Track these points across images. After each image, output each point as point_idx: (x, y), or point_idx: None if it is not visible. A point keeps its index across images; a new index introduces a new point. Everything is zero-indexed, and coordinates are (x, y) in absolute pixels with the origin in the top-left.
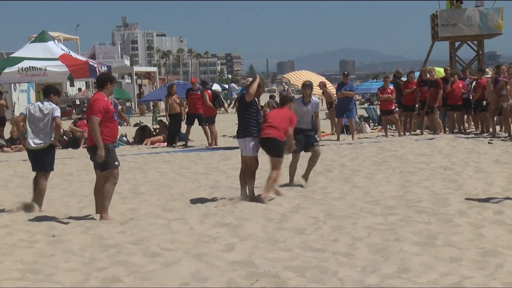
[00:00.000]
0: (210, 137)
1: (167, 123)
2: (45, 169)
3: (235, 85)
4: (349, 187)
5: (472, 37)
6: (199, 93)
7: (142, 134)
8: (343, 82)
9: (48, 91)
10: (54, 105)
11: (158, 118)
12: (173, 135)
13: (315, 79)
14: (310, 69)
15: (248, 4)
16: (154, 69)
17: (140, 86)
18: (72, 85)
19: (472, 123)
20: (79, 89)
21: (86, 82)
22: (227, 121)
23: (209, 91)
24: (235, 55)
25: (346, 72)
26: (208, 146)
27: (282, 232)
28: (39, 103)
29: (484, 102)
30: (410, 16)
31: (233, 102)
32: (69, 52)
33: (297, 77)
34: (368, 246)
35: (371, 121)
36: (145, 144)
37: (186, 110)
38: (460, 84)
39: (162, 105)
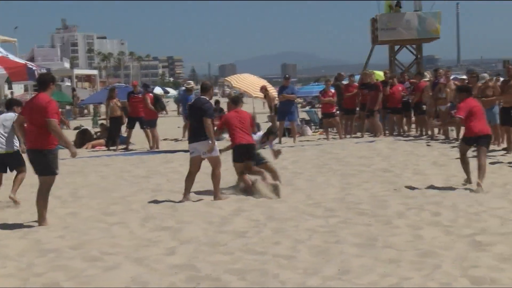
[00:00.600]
0: (151, 140)
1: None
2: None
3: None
4: (291, 190)
5: (411, 41)
6: (140, 96)
7: (83, 138)
8: (284, 85)
9: (11, 104)
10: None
11: (99, 122)
12: (113, 138)
13: (257, 82)
14: (252, 72)
15: (190, 6)
16: (95, 72)
17: (73, 89)
18: (10, 88)
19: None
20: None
21: (24, 85)
22: (168, 124)
23: (150, 94)
24: (176, 58)
25: (287, 75)
26: (149, 149)
27: (223, 235)
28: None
29: (424, 107)
30: (350, 20)
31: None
32: (7, 55)
33: (239, 80)
34: (309, 248)
35: (312, 124)
36: (86, 148)
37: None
38: (400, 87)
39: (102, 108)
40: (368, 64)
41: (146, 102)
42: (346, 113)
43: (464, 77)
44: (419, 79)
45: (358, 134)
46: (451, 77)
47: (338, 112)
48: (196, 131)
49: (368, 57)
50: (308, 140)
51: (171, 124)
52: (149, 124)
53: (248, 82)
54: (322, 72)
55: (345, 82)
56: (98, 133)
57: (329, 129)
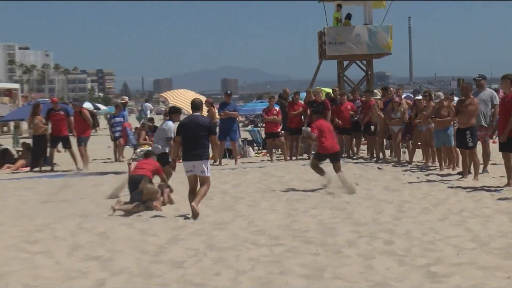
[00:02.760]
0: (79, 161)
1: (31, 145)
2: None
3: (149, 104)
4: (232, 216)
5: (361, 56)
6: (62, 113)
7: (2, 158)
8: (225, 102)
9: None
10: None
11: (21, 140)
12: (37, 158)
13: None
14: (189, 87)
15: (122, 15)
16: (16, 85)
17: None
18: None
19: (361, 147)
20: None
21: None
22: (98, 144)
23: (84, 108)
24: (107, 71)
25: (229, 92)
26: (77, 170)
27: (159, 265)
28: None
29: (372, 127)
30: (297, 32)
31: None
32: None
33: (175, 96)
34: (252, 280)
35: (255, 145)
36: (6, 169)
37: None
38: (349, 106)
39: (24, 125)
40: (316, 80)
41: (85, 116)
42: (291, 133)
43: (420, 97)
44: (369, 97)
45: (305, 155)
46: (403, 95)
47: (282, 132)
48: (198, 149)
49: (315, 73)
50: (250, 162)
51: (100, 143)
52: (80, 141)
53: (186, 99)
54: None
55: (290, 99)
56: (20, 153)
57: (274, 150)
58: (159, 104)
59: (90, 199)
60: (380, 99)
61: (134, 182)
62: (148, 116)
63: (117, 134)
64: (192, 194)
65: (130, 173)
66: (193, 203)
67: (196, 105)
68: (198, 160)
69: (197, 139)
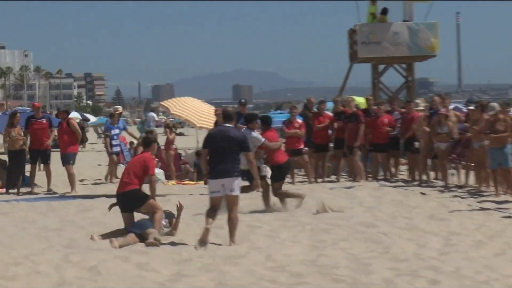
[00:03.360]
0: (70, 181)
1: (7, 162)
2: None
3: (154, 115)
4: (246, 249)
5: (400, 59)
6: (44, 121)
7: None
8: (240, 112)
9: None
10: None
11: None
12: (14, 177)
13: (202, 108)
14: (195, 95)
15: (114, 11)
16: None
17: None
18: None
19: (401, 168)
20: None
21: None
22: (85, 161)
23: (73, 119)
24: (97, 75)
25: (243, 100)
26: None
27: None
28: None
29: (417, 144)
30: (322, 31)
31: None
32: None
33: (178, 105)
34: None
35: None
36: None
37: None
38: (386, 119)
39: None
40: (346, 87)
41: (74, 127)
42: (317, 150)
43: (471, 107)
44: (410, 108)
45: (333, 177)
46: (451, 107)
47: (306, 148)
48: (228, 165)
49: (345, 79)
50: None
51: (88, 160)
52: (67, 159)
53: (191, 108)
54: (287, 96)
55: (315, 110)
56: None
57: (296, 171)
58: (158, 114)
59: (78, 226)
60: (424, 110)
61: (124, 199)
62: (151, 127)
63: (116, 149)
64: (212, 215)
65: (117, 191)
66: (231, 241)
67: (228, 115)
68: (227, 178)
69: (227, 153)
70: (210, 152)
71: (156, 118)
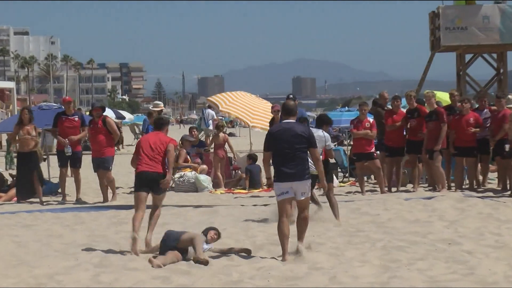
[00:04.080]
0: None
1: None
2: None
3: (213, 112)
4: (306, 269)
5: (491, 47)
6: (76, 119)
7: None
8: None
9: None
10: None
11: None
12: (23, 185)
13: (256, 104)
14: (248, 89)
15: None
16: (10, 84)
17: None
18: None
19: (490, 175)
20: None
21: None
22: (120, 166)
23: (109, 117)
24: (134, 65)
25: (291, 95)
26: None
27: None
28: None
29: (507, 146)
30: (398, 15)
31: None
32: None
33: (229, 101)
34: None
35: (339, 170)
36: None
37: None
38: (471, 118)
39: None
40: (426, 80)
41: (111, 127)
42: (390, 154)
43: None
44: (501, 105)
45: (409, 186)
46: None
47: (378, 152)
48: (296, 166)
49: (426, 70)
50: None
51: (124, 166)
52: (104, 163)
53: (244, 104)
54: (356, 90)
55: (389, 107)
56: (14, 178)
57: (365, 178)
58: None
59: (110, 241)
60: None
61: (146, 180)
62: (210, 127)
63: None
64: (285, 224)
65: (138, 170)
66: (299, 243)
67: (290, 110)
68: (298, 181)
69: (295, 153)
70: (275, 154)
71: (215, 117)
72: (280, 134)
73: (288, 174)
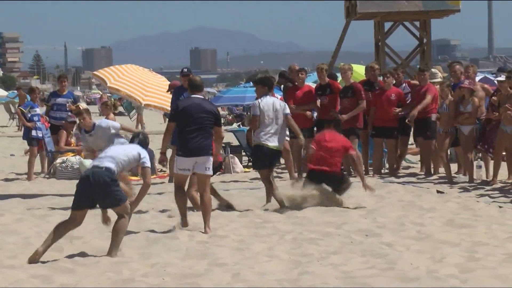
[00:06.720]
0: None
1: None
2: None
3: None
4: (206, 265)
5: (413, 15)
6: None
7: None
8: (182, 86)
9: None
10: None
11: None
12: None
13: (150, 79)
14: (140, 62)
15: None
16: None
17: None
18: None
19: (412, 158)
20: None
21: None
22: None
23: None
24: (9, 36)
25: (185, 69)
26: None
27: None
28: None
29: (434, 116)
30: None
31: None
32: None
33: (118, 76)
34: None
35: (243, 153)
36: None
37: None
38: (393, 94)
39: None
40: (341, 51)
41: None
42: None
43: (502, 78)
44: (424, 79)
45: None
46: (477, 77)
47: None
48: (202, 141)
49: (340, 40)
50: (236, 181)
51: None
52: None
53: (135, 80)
54: (260, 64)
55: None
56: None
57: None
58: (91, 88)
59: None
60: (444, 82)
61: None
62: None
63: (36, 133)
64: (181, 195)
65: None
66: (206, 227)
67: (196, 85)
68: (203, 156)
69: (202, 129)
70: (181, 128)
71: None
72: (190, 109)
73: (194, 149)
